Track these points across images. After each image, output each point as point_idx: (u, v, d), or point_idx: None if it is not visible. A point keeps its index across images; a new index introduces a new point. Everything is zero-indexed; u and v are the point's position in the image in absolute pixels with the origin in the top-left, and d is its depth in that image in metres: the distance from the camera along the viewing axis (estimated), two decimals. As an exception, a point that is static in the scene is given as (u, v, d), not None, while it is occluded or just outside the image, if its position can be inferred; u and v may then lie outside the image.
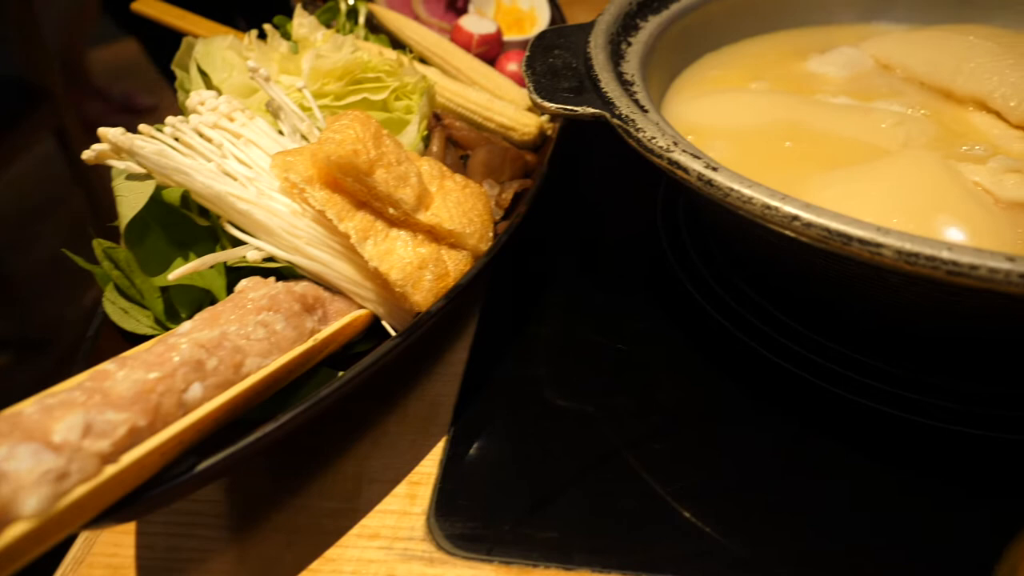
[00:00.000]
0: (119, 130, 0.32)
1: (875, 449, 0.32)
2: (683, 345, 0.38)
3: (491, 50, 0.50)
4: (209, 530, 0.30)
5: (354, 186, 0.33)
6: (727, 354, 0.37)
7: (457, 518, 0.30)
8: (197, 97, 0.37)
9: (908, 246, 0.25)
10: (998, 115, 0.41)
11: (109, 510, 0.22)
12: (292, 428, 0.26)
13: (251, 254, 0.32)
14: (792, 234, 0.27)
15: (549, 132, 0.45)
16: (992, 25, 0.46)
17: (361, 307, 0.34)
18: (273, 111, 0.39)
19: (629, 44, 0.41)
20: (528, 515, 0.30)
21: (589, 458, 0.33)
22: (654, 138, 0.31)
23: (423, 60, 0.50)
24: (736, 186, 0.28)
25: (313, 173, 0.33)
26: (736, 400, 0.35)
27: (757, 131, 0.40)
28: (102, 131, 0.32)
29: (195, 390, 0.25)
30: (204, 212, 0.34)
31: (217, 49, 0.44)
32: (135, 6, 0.52)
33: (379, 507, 0.31)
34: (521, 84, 0.49)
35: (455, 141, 0.42)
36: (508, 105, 0.45)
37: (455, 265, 0.35)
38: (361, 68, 0.42)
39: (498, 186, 0.40)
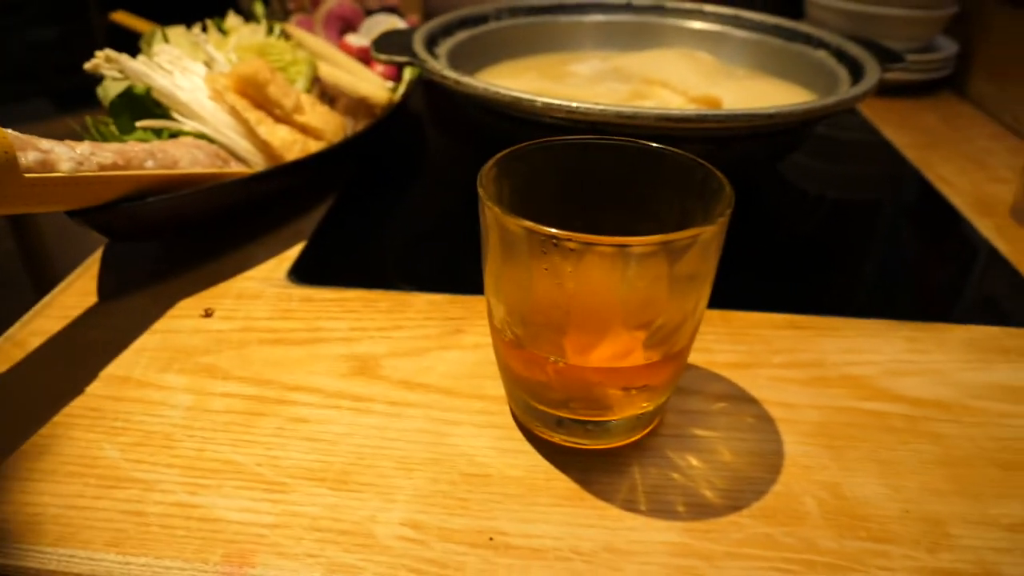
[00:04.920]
0: (110, 51, 0.53)
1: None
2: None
3: (364, 57, 0.74)
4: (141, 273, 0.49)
5: (255, 95, 0.55)
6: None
7: (307, 270, 0.50)
8: (160, 47, 0.58)
9: (548, 101, 0.48)
10: (673, 90, 0.66)
11: (97, 207, 0.42)
12: (209, 199, 0.47)
13: (188, 127, 0.53)
14: (489, 102, 0.49)
15: (395, 100, 0.68)
16: (681, 48, 0.73)
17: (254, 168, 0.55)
18: (207, 63, 0.60)
19: (445, 40, 0.65)
20: (361, 268, 0.51)
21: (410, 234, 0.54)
22: (435, 66, 0.54)
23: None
24: (471, 81, 0.50)
25: (230, 84, 0.54)
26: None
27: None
28: (100, 52, 0.53)
29: (148, 164, 0.45)
30: (159, 105, 0.54)
31: (172, 35, 0.66)
32: (113, 16, 0.73)
33: (260, 265, 0.50)
34: (382, 76, 0.72)
35: (328, 94, 0.64)
36: (370, 84, 0.68)
37: (316, 146, 0.56)
38: (269, 47, 0.64)
39: (353, 121, 0.62)
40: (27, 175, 0.36)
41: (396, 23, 0.82)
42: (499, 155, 0.34)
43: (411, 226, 0.59)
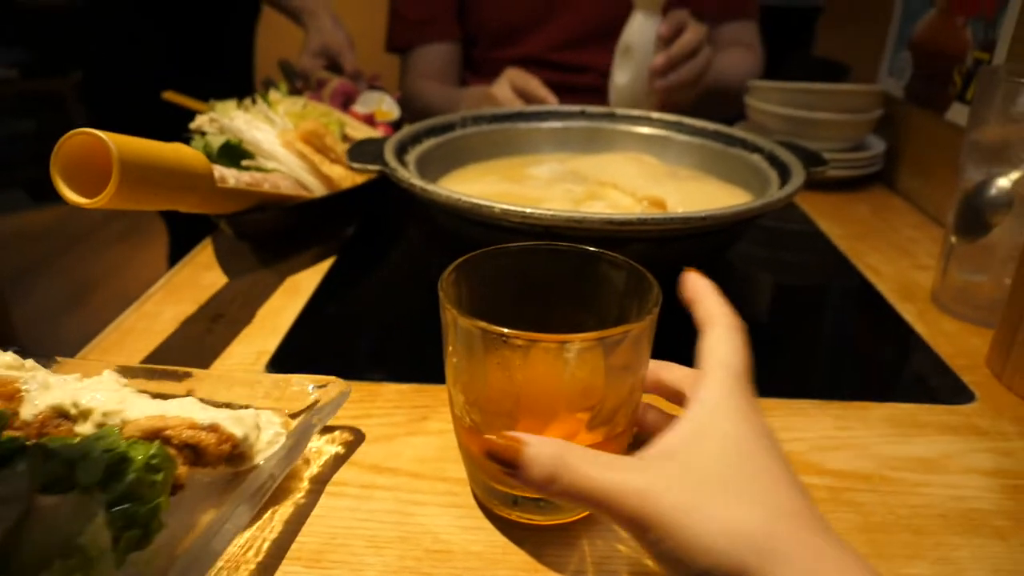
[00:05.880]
0: (213, 114, 0.69)
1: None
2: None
3: (370, 121, 0.86)
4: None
5: (317, 143, 0.69)
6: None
7: (283, 362, 0.54)
8: (235, 114, 0.71)
9: (506, 207, 0.53)
10: (622, 191, 0.72)
11: (235, 213, 0.61)
12: (301, 212, 0.67)
13: (270, 166, 0.66)
14: (452, 208, 0.55)
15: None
16: (630, 151, 0.80)
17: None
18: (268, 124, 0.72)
19: (413, 147, 0.71)
20: (334, 360, 0.54)
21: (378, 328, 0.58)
22: (404, 174, 0.59)
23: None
24: (436, 189, 0.56)
25: (298, 136, 0.69)
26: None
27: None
28: (203, 116, 0.70)
29: (266, 185, 0.61)
30: (245, 152, 0.68)
31: (225, 107, 0.76)
32: (166, 95, 0.83)
33: (240, 359, 0.54)
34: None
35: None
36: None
37: (362, 179, 0.71)
38: (309, 111, 0.78)
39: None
40: (218, 185, 0.55)
41: (384, 98, 0.96)
42: (458, 261, 0.39)
43: (379, 321, 0.63)
